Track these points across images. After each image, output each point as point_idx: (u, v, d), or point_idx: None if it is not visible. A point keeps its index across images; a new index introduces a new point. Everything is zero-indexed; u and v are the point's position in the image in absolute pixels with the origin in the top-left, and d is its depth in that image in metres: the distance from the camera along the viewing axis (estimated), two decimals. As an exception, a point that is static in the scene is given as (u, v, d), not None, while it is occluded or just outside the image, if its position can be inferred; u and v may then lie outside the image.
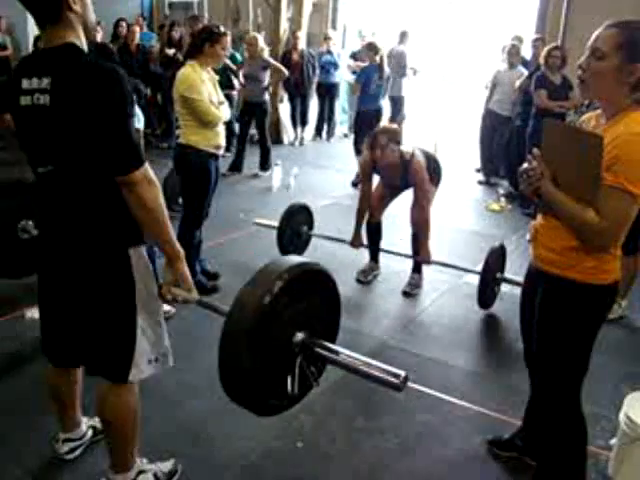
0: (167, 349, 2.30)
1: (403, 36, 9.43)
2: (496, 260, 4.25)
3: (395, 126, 4.43)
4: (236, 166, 7.96)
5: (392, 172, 4.39)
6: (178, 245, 2.17)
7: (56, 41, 1.96)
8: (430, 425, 3.06)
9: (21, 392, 3.08)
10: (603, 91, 2.06)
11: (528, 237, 2.39)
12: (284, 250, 4.86)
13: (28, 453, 2.67)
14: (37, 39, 9.90)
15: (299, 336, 1.93)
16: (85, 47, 2.03)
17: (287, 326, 1.90)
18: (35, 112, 1.95)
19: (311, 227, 5.19)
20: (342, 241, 4.89)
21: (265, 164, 7.87)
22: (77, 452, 2.66)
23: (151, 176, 1.99)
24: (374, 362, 1.91)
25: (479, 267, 4.21)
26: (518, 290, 2.76)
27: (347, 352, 1.96)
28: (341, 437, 2.94)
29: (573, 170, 2.02)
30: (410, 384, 3.31)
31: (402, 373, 1.81)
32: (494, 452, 2.87)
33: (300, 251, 5.02)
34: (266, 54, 7.77)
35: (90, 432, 2.73)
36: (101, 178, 1.98)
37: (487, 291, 4.21)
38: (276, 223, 4.92)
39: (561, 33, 8.54)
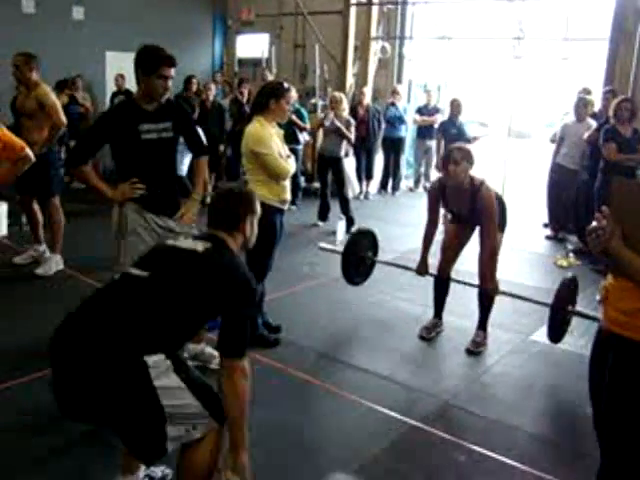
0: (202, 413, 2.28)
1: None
2: (568, 291, 4.08)
3: (469, 147, 4.40)
4: (322, 216, 8.31)
5: (460, 197, 4.33)
6: (247, 437, 2.31)
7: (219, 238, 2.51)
8: (492, 491, 2.96)
9: (73, 439, 3.13)
10: None
11: (598, 298, 2.31)
12: (348, 276, 4.94)
13: None
14: (114, 95, 10.43)
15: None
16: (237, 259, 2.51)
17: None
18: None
19: (375, 253, 5.16)
20: (408, 268, 4.90)
21: (347, 213, 7.98)
22: None
23: (247, 369, 2.29)
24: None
25: (546, 324, 4.09)
26: (586, 350, 2.65)
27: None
28: (399, 500, 2.88)
29: None
30: (472, 446, 3.26)
31: None
32: None
33: (364, 277, 5.12)
34: (347, 113, 8.13)
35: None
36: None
37: (557, 324, 4.05)
38: (340, 249, 5.00)
39: (631, 84, 8.39)
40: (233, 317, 2.28)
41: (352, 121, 8.19)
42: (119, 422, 2.22)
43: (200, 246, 2.37)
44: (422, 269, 4.69)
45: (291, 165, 4.16)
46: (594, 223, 2.11)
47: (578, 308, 4.22)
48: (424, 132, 10.54)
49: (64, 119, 5.51)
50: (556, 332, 4.12)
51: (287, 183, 4.20)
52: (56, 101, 5.52)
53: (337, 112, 7.98)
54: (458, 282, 4.72)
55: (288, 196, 4.24)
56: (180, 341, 2.36)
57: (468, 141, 8.00)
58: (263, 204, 4.06)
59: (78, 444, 3.13)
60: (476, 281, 4.50)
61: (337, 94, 8.38)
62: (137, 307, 2.21)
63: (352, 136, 8.17)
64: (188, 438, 2.24)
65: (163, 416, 2.15)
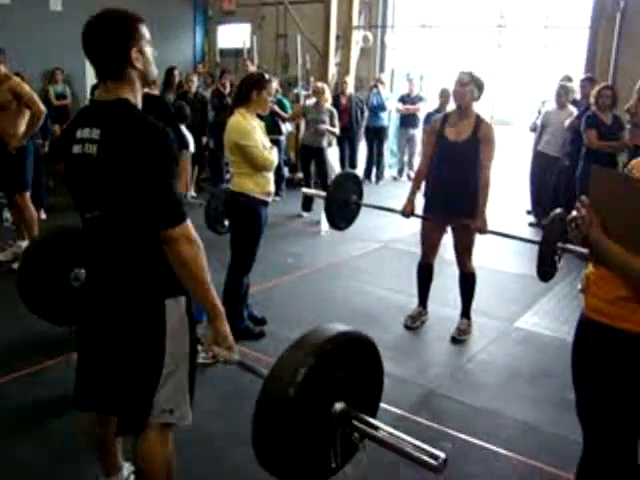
0: (185, 410, 2.26)
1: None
2: (557, 227, 3.92)
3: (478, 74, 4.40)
4: (306, 206, 8.25)
5: (462, 124, 4.30)
6: (219, 303, 2.14)
7: (111, 95, 2.05)
8: (478, 478, 2.98)
9: (69, 436, 3.10)
10: None
11: (580, 287, 2.33)
12: (333, 222, 4.89)
13: None
14: (94, 88, 10.32)
15: (338, 407, 1.84)
16: (139, 102, 2.12)
17: (326, 396, 1.82)
18: (84, 160, 2.04)
19: (360, 196, 5.05)
20: (392, 210, 4.81)
21: None
22: None
23: (191, 234, 2.01)
24: (414, 441, 1.81)
25: (531, 311, 4.10)
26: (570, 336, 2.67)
27: (387, 428, 1.87)
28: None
29: (624, 219, 1.95)
30: (457, 434, 3.27)
31: (442, 455, 1.71)
32: None
33: (349, 222, 5.04)
34: (329, 104, 8.07)
35: (132, 477, 2.72)
36: (144, 229, 2.03)
37: (547, 262, 3.93)
38: (323, 193, 4.96)
39: (611, 72, 8.44)
40: (154, 181, 1.95)
41: (335, 112, 8.16)
42: (119, 375, 2.17)
43: (94, 148, 2.00)
44: (407, 209, 4.58)
45: (275, 156, 4.16)
46: (574, 212, 2.10)
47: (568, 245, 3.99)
48: (407, 121, 10.58)
49: (43, 107, 5.42)
50: (546, 269, 3.98)
51: (271, 175, 4.20)
52: (31, 90, 5.42)
53: (320, 102, 7.94)
54: (451, 226, 4.52)
55: (272, 188, 4.24)
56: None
57: None
58: (249, 197, 4.10)
59: (63, 444, 3.11)
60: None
61: (320, 84, 8.34)
62: (120, 246, 2.10)
63: (337, 129, 8.15)
64: (164, 419, 2.21)
65: (159, 373, 2.13)
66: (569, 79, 8.01)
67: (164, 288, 2.13)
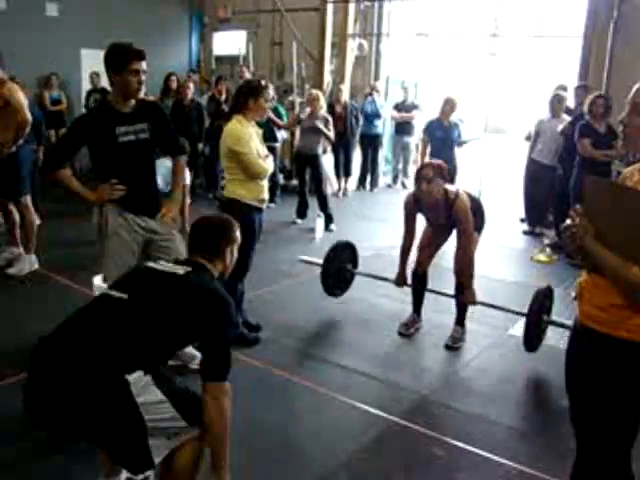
0: (184, 424, 2.31)
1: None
2: (542, 302, 4.17)
3: (441, 162, 4.42)
4: (301, 213, 8.31)
5: (436, 210, 4.38)
6: (227, 460, 2.34)
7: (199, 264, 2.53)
8: (471, 485, 2.99)
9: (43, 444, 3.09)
10: None
11: (574, 294, 2.35)
12: (328, 289, 4.99)
13: None
14: (89, 94, 10.34)
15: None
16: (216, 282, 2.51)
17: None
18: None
19: (355, 265, 5.23)
20: (386, 279, 4.92)
21: (325, 210, 7.95)
22: None
23: (229, 389, 2.31)
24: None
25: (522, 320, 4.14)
26: (563, 343, 2.69)
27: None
28: (380, 496, 2.90)
29: (618, 228, 1.97)
30: (451, 441, 3.28)
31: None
32: None
33: (344, 289, 5.19)
34: (324, 111, 8.09)
35: None
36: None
37: (533, 334, 4.13)
38: (320, 261, 5.04)
39: (605, 81, 8.49)
40: (213, 340, 2.30)
41: (330, 119, 8.19)
42: (100, 437, 2.22)
43: (180, 270, 2.40)
44: (400, 281, 4.75)
45: (269, 165, 4.17)
46: (568, 221, 2.13)
47: (553, 317, 4.35)
48: (402, 129, 10.63)
49: (28, 117, 5.36)
50: (532, 342, 4.19)
51: (265, 183, 4.21)
52: (22, 99, 5.39)
53: (315, 110, 7.96)
54: (435, 293, 4.76)
55: (266, 195, 4.25)
56: (160, 360, 2.37)
57: (458, 144, 7.81)
58: (241, 203, 4.10)
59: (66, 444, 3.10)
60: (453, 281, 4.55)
61: (314, 92, 8.36)
62: (117, 328, 2.21)
63: (332, 134, 8.17)
64: (169, 446, 2.27)
65: (145, 431, 2.16)
66: (564, 88, 8.06)
67: (129, 367, 2.17)
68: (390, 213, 8.38)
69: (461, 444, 3.27)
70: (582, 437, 2.39)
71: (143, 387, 2.17)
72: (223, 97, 9.50)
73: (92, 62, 10.45)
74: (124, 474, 2.69)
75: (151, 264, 2.55)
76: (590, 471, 2.35)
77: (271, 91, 6.51)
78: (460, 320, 4.61)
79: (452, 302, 4.65)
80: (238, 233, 2.68)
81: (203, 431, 2.31)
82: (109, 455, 2.41)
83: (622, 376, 2.11)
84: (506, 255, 7.10)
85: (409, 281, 4.76)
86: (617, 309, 2.06)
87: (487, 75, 10.22)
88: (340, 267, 5.10)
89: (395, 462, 3.14)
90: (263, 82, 4.19)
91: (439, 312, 4.93)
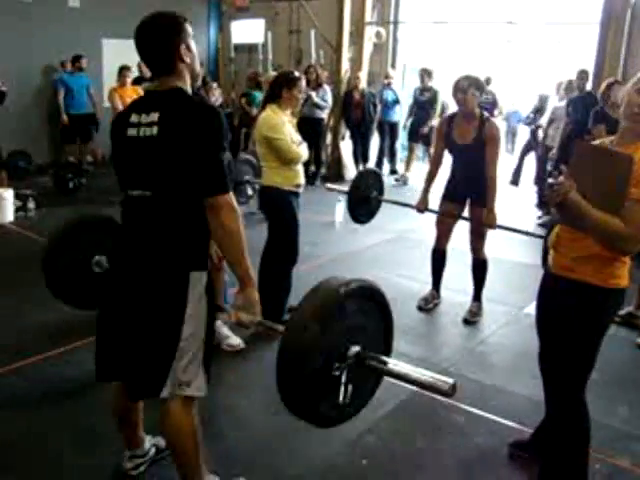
0: (201, 382, 2.38)
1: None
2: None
3: (476, 75, 4.56)
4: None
5: (468, 126, 4.48)
6: (252, 272, 2.30)
7: (166, 86, 2.30)
8: (489, 448, 3.19)
9: (86, 414, 3.33)
10: None
11: (549, 244, 2.67)
12: (355, 215, 5.18)
13: (95, 470, 2.89)
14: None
15: (354, 349, 2.06)
16: (190, 91, 2.36)
17: (343, 338, 2.04)
18: (140, 142, 2.25)
19: (381, 192, 5.35)
20: (409, 205, 5.03)
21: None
22: (141, 468, 2.83)
23: (234, 203, 2.21)
24: (425, 371, 2.08)
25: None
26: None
27: (397, 362, 2.16)
28: (404, 456, 3.11)
29: (601, 185, 2.30)
30: (471, 408, 3.47)
31: (450, 381, 1.96)
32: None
33: (370, 217, 5.35)
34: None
35: (153, 450, 2.90)
36: (188, 203, 2.24)
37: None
38: (346, 189, 5.22)
39: (621, 68, 8.56)
40: (203, 150, 2.16)
41: (328, 90, 9.48)
42: (138, 343, 2.31)
43: (154, 129, 2.21)
44: (421, 205, 4.84)
45: (303, 151, 4.30)
46: (551, 180, 2.48)
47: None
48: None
49: None
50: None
51: (300, 167, 4.34)
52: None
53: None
54: (464, 219, 4.75)
55: (302, 180, 4.37)
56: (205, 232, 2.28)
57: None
58: (279, 190, 4.27)
59: (94, 418, 3.31)
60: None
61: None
62: (162, 221, 2.27)
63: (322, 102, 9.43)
64: (182, 392, 2.33)
65: (176, 344, 2.25)
66: (584, 73, 8.05)
67: (192, 261, 2.30)
68: (408, 198, 8.50)
69: (479, 411, 3.48)
70: (548, 375, 2.73)
71: (198, 297, 2.28)
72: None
73: (113, 52, 10.69)
74: (147, 443, 2.87)
75: (130, 132, 2.28)
76: (550, 406, 2.73)
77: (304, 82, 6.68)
78: (477, 296, 4.82)
79: (470, 283, 4.84)
80: (185, 24, 2.33)
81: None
82: (130, 369, 2.38)
83: (587, 316, 2.47)
84: (521, 238, 7.21)
85: (430, 206, 4.84)
86: (586, 259, 2.41)
87: (503, 62, 10.31)
88: (366, 195, 5.22)
89: (418, 427, 3.35)
90: (297, 74, 4.34)
91: (458, 292, 5.11)
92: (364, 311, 2.13)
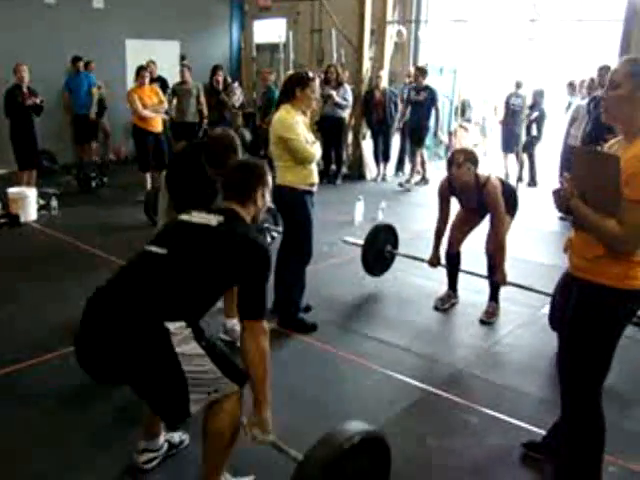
0: (226, 382, 2.45)
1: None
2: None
3: (472, 148, 4.64)
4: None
5: (467, 193, 4.57)
6: (268, 396, 2.47)
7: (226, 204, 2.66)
8: (502, 449, 3.19)
9: (102, 412, 3.38)
10: (619, 116, 2.41)
11: (564, 247, 2.71)
12: (369, 268, 5.27)
13: (107, 464, 2.94)
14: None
15: None
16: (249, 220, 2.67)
17: None
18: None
19: (395, 246, 5.45)
20: (422, 260, 5.13)
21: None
22: (154, 463, 2.88)
23: (267, 329, 2.46)
24: None
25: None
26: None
27: None
28: (416, 455, 3.11)
29: (599, 188, 2.36)
30: (484, 409, 3.48)
31: None
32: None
33: (384, 270, 5.46)
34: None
35: (166, 445, 2.96)
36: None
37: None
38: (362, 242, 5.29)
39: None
40: (251, 282, 2.44)
41: (348, 89, 9.74)
42: (143, 386, 2.40)
43: (214, 220, 2.49)
44: (434, 261, 4.98)
45: (317, 150, 4.32)
46: (557, 185, 2.57)
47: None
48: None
49: None
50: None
51: (314, 167, 4.35)
52: None
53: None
54: (469, 273, 4.95)
55: (316, 179, 4.38)
56: (201, 310, 2.46)
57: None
58: (292, 189, 4.29)
59: (111, 413, 3.39)
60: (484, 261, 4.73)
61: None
62: (159, 280, 2.36)
63: (342, 102, 9.67)
64: (209, 400, 2.42)
65: (185, 381, 2.30)
66: (605, 68, 7.96)
67: (169, 315, 2.31)
68: (427, 198, 8.51)
69: (493, 412, 3.47)
70: (564, 375, 2.71)
71: (183, 339, 2.29)
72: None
73: (136, 52, 10.79)
74: (162, 437, 2.93)
75: (185, 217, 2.59)
76: (564, 408, 2.70)
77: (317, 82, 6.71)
78: (494, 296, 4.81)
79: (486, 283, 4.83)
80: (269, 177, 2.74)
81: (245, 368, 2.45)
82: (149, 404, 2.55)
83: (602, 317, 2.48)
84: (542, 239, 7.20)
85: (443, 261, 4.96)
86: (599, 259, 2.43)
87: (526, 60, 10.24)
88: (380, 248, 5.32)
89: (430, 427, 3.35)
90: (310, 74, 4.35)
91: (474, 292, 5.10)
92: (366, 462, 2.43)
